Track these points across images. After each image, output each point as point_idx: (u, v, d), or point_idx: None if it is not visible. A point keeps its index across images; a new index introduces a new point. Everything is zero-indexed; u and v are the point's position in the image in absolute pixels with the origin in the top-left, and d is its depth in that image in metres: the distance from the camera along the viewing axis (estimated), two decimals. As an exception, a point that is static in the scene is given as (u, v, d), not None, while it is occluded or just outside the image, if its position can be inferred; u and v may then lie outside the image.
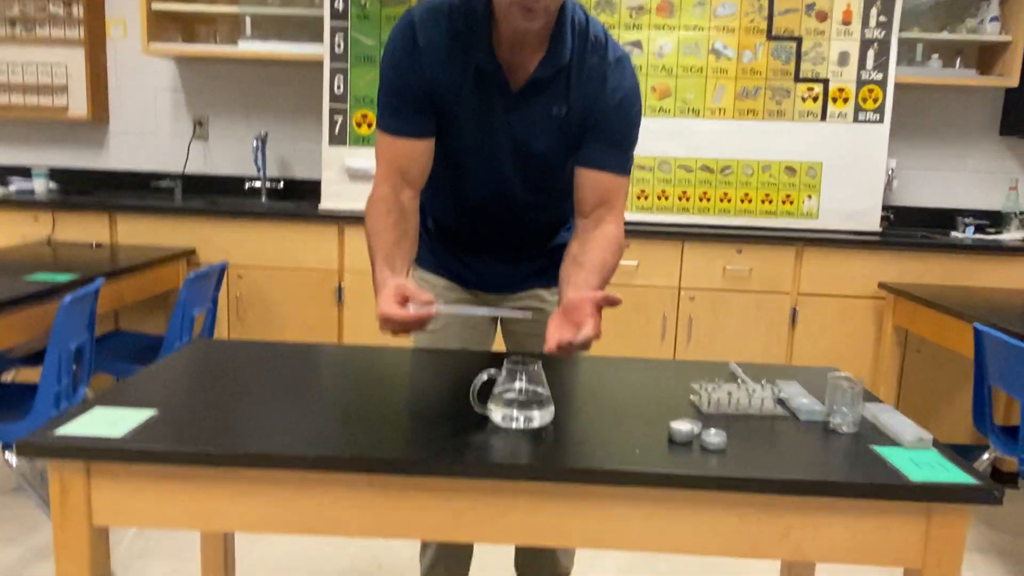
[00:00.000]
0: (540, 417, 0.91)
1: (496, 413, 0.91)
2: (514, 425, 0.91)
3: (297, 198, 2.94)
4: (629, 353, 2.59)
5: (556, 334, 0.87)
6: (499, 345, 1.39)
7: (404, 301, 0.91)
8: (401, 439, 0.84)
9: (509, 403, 0.91)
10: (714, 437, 0.88)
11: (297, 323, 2.63)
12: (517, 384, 0.91)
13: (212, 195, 2.96)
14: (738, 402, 1.00)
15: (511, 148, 1.06)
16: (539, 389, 0.92)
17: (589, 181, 1.07)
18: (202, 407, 0.88)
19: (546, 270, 1.20)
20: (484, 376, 0.90)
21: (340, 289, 2.56)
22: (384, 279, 0.96)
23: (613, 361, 1.23)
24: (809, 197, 2.68)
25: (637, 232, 2.55)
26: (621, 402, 1.02)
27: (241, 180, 2.96)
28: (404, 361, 1.15)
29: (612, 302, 0.88)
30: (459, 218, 1.19)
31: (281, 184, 2.92)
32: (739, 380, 1.12)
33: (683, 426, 0.88)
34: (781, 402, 1.02)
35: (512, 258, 1.21)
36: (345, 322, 2.59)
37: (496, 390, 0.92)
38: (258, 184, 2.94)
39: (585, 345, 0.86)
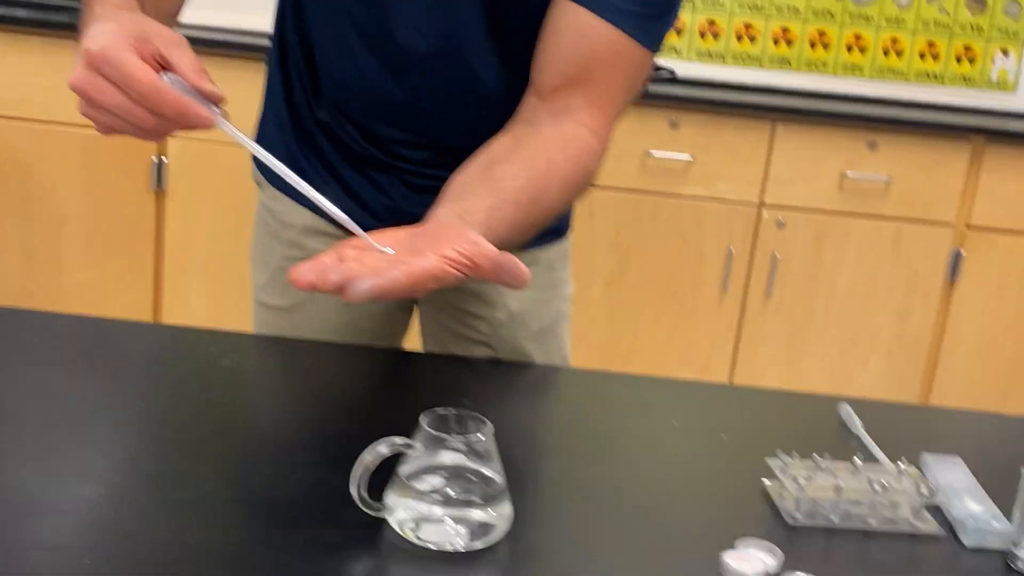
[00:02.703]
0: (485, 528, 0.84)
1: (400, 514, 0.84)
2: (435, 543, 0.84)
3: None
4: (664, 322, 2.72)
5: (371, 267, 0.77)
6: (415, 342, 1.37)
7: (155, 64, 0.82)
8: (203, 569, 0.76)
9: (428, 498, 0.83)
10: None
11: (84, 220, 2.71)
12: (444, 459, 0.83)
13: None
14: (851, 506, 0.92)
15: None
16: (487, 470, 0.84)
17: (569, 29, 1.03)
18: None
19: None
20: (382, 449, 0.82)
21: (160, 166, 2.66)
22: (113, 8, 0.87)
23: (620, 380, 1.22)
24: (1004, 53, 2.64)
25: (691, 102, 2.61)
26: (631, 489, 0.95)
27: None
28: (244, 365, 1.14)
29: (511, 278, 0.79)
30: (369, 92, 1.16)
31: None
32: (856, 451, 1.04)
33: (745, 564, 0.81)
34: (932, 507, 0.94)
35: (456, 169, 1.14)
36: (167, 222, 2.69)
37: (404, 469, 0.84)
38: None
39: (409, 290, 0.76)
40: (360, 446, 0.83)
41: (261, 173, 1.26)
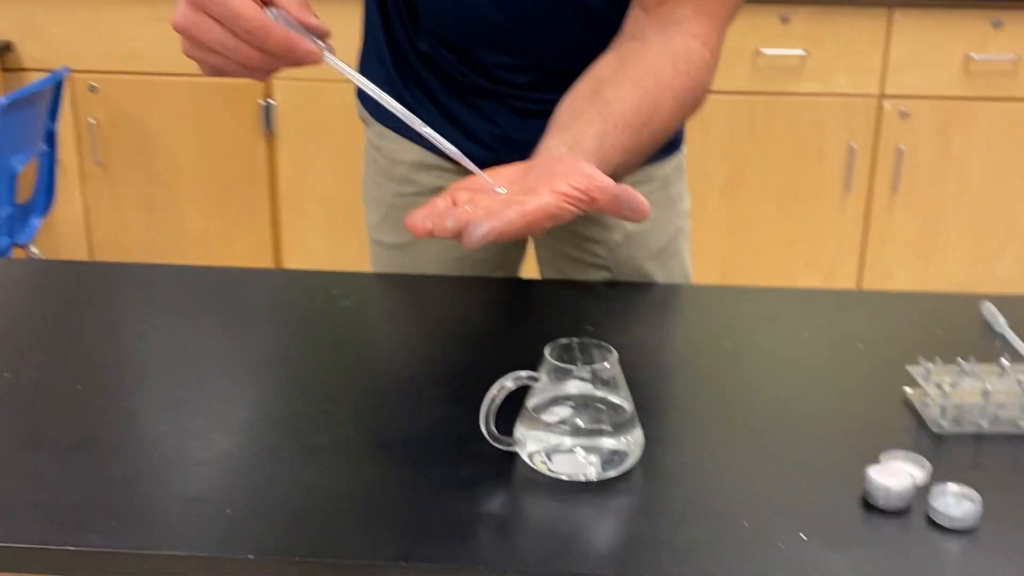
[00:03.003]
0: (617, 456, 0.83)
1: (531, 446, 0.83)
2: (567, 473, 0.83)
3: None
4: (786, 228, 2.68)
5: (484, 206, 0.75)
6: (532, 269, 1.35)
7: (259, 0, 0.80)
8: (342, 513, 0.77)
9: (558, 429, 0.82)
10: (954, 502, 0.77)
11: (200, 168, 2.76)
12: (571, 389, 0.82)
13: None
14: (1000, 410, 0.88)
15: None
16: (615, 398, 0.83)
17: None
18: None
19: None
20: (507, 383, 0.81)
21: (268, 109, 2.68)
22: None
23: (744, 293, 1.19)
24: None
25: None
26: (765, 406, 0.92)
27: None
28: (365, 304, 1.13)
29: (630, 211, 0.76)
30: (469, 18, 1.13)
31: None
32: (1002, 351, 0.99)
33: (891, 478, 0.78)
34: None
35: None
36: (280, 165, 2.72)
37: (531, 402, 0.83)
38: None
39: (526, 230, 0.74)
40: (485, 379, 0.82)
41: (367, 110, 1.26)
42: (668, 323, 1.15)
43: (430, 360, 1.02)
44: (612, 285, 1.21)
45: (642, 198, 0.75)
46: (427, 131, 0.85)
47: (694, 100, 0.98)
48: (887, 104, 2.57)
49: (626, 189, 0.76)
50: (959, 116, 2.57)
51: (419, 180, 1.21)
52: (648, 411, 0.86)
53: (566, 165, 0.80)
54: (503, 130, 1.17)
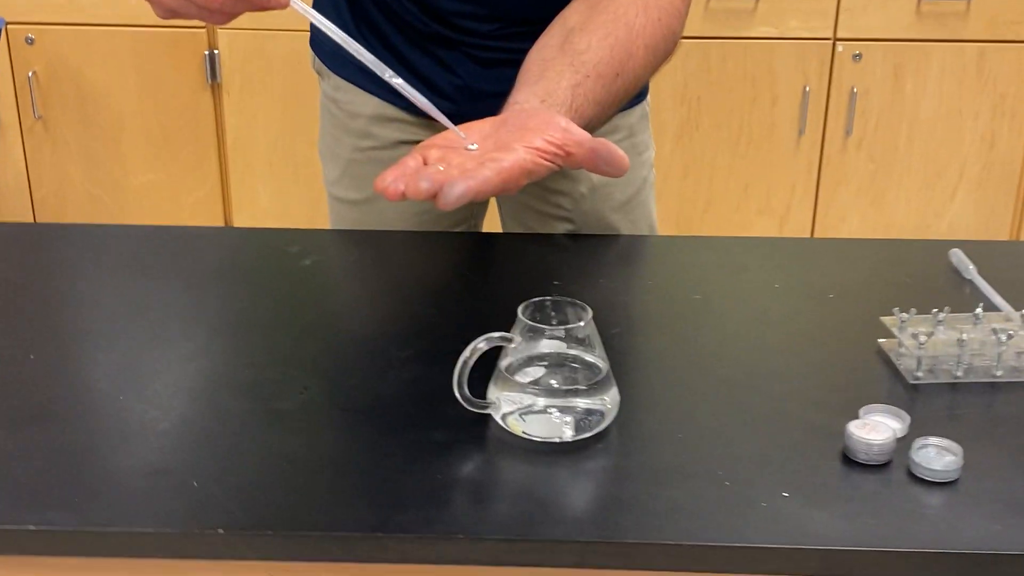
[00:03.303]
0: (593, 416, 0.82)
1: (505, 408, 0.81)
2: (542, 435, 0.81)
3: None
4: (740, 172, 2.66)
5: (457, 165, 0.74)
6: (493, 223, 1.33)
7: None
8: (313, 482, 0.75)
9: (531, 389, 0.81)
10: (935, 455, 0.76)
11: (144, 121, 2.70)
12: (544, 348, 0.80)
13: None
14: (975, 359, 0.88)
15: None
16: (589, 356, 0.81)
17: None
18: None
19: None
20: (480, 345, 0.80)
21: (212, 59, 2.62)
22: None
23: (712, 243, 1.17)
24: None
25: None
26: (739, 360, 0.91)
27: None
28: (326, 263, 1.10)
29: (608, 165, 0.75)
30: None
31: None
32: (974, 299, 0.99)
33: (872, 433, 0.77)
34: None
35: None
36: (227, 117, 2.67)
37: (504, 362, 0.82)
38: None
39: (502, 187, 0.72)
40: (453, 338, 0.81)
41: (323, 62, 1.21)
42: (636, 276, 1.13)
43: (395, 319, 1.00)
44: (577, 238, 1.19)
45: (619, 151, 0.73)
46: (398, 82, 0.82)
47: (666, 48, 0.96)
48: (840, 47, 2.54)
49: (603, 142, 0.74)
50: (912, 58, 2.54)
51: (379, 133, 1.17)
52: (621, 368, 0.85)
53: (540, 119, 0.77)
54: (464, 80, 1.14)
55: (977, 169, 2.61)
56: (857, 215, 2.65)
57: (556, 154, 0.73)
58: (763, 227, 2.67)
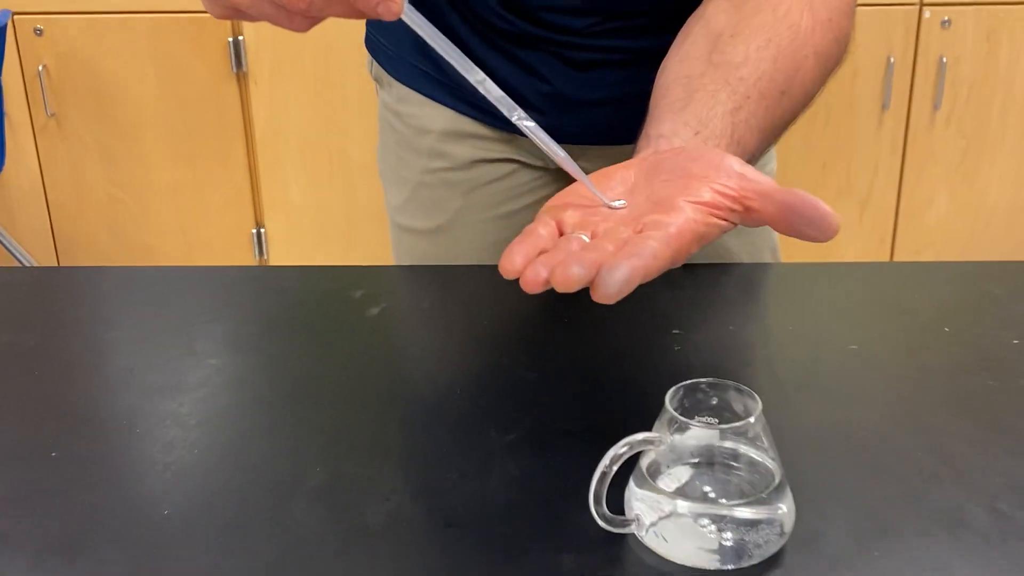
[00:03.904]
0: (762, 533, 0.67)
1: (647, 521, 0.67)
2: (698, 561, 0.66)
3: None
4: (818, 150, 2.58)
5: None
6: None
7: None
8: None
9: (685, 499, 0.66)
10: None
11: (164, 115, 2.63)
12: (696, 441, 0.66)
13: None
14: None
15: None
16: (757, 453, 0.66)
17: None
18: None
19: None
20: (621, 451, 0.65)
21: (237, 45, 2.55)
22: None
23: (853, 269, 0.99)
24: None
25: None
26: (930, 428, 0.76)
27: None
28: (390, 312, 0.95)
29: (810, 226, 0.57)
30: None
31: None
32: None
33: None
34: None
35: (645, 49, 0.93)
36: (254, 107, 2.61)
37: (647, 461, 0.67)
38: None
39: (672, 261, 0.57)
40: (564, 411, 0.71)
41: (383, 68, 1.06)
42: (769, 316, 0.97)
43: (490, 387, 0.84)
44: (689, 268, 1.03)
45: (825, 205, 0.56)
46: (529, 125, 0.65)
47: (838, 55, 0.80)
48: (927, 12, 2.45)
49: (800, 195, 0.57)
50: (1006, 22, 2.45)
51: (452, 152, 1.02)
52: (781, 453, 0.69)
53: (705, 161, 0.61)
54: (555, 87, 0.98)
55: (1075, 142, 2.55)
56: (945, 196, 2.57)
57: (732, 210, 0.57)
58: (842, 210, 2.58)
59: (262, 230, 2.68)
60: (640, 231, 0.56)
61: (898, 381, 0.81)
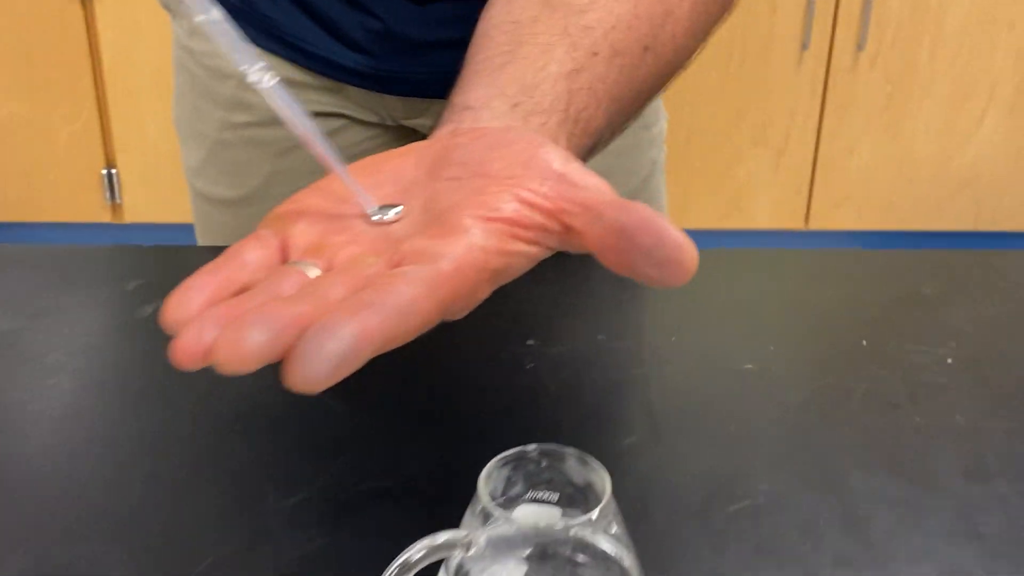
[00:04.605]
0: None
1: None
2: None
3: None
4: (731, 94, 2.51)
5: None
6: None
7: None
8: None
9: None
10: None
11: (3, 49, 2.50)
12: (523, 522, 0.52)
13: None
14: None
15: None
16: (604, 541, 0.52)
17: None
18: None
19: None
20: (415, 556, 0.51)
21: None
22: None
23: (762, 253, 0.85)
24: None
25: None
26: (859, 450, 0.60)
27: None
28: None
29: (649, 260, 0.39)
30: None
31: None
32: None
33: None
34: None
35: None
36: (101, 33, 2.48)
37: (455, 563, 0.54)
38: None
39: (440, 312, 0.40)
40: (363, 448, 0.59)
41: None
42: (649, 321, 0.81)
43: (269, 428, 0.67)
44: (562, 258, 0.87)
45: (678, 233, 0.38)
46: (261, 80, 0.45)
47: (721, 4, 0.63)
48: None
49: (641, 213, 0.38)
50: None
51: (258, 103, 0.85)
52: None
53: (513, 154, 0.43)
54: (387, 24, 0.81)
55: (1010, 90, 2.50)
56: (868, 145, 2.58)
57: (545, 229, 0.40)
58: (757, 158, 2.58)
59: (113, 171, 2.50)
60: (397, 264, 0.38)
61: (800, 415, 0.66)
